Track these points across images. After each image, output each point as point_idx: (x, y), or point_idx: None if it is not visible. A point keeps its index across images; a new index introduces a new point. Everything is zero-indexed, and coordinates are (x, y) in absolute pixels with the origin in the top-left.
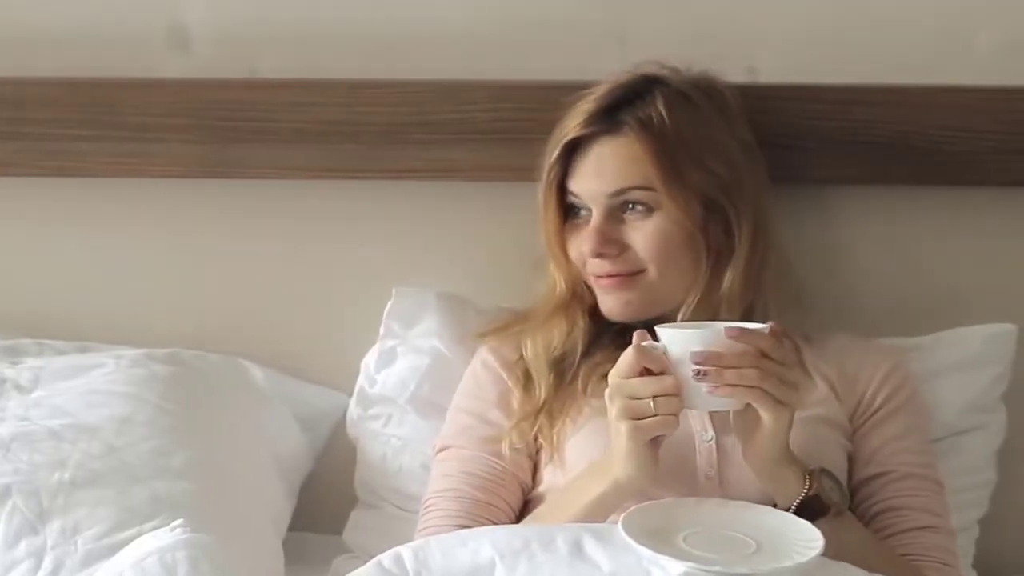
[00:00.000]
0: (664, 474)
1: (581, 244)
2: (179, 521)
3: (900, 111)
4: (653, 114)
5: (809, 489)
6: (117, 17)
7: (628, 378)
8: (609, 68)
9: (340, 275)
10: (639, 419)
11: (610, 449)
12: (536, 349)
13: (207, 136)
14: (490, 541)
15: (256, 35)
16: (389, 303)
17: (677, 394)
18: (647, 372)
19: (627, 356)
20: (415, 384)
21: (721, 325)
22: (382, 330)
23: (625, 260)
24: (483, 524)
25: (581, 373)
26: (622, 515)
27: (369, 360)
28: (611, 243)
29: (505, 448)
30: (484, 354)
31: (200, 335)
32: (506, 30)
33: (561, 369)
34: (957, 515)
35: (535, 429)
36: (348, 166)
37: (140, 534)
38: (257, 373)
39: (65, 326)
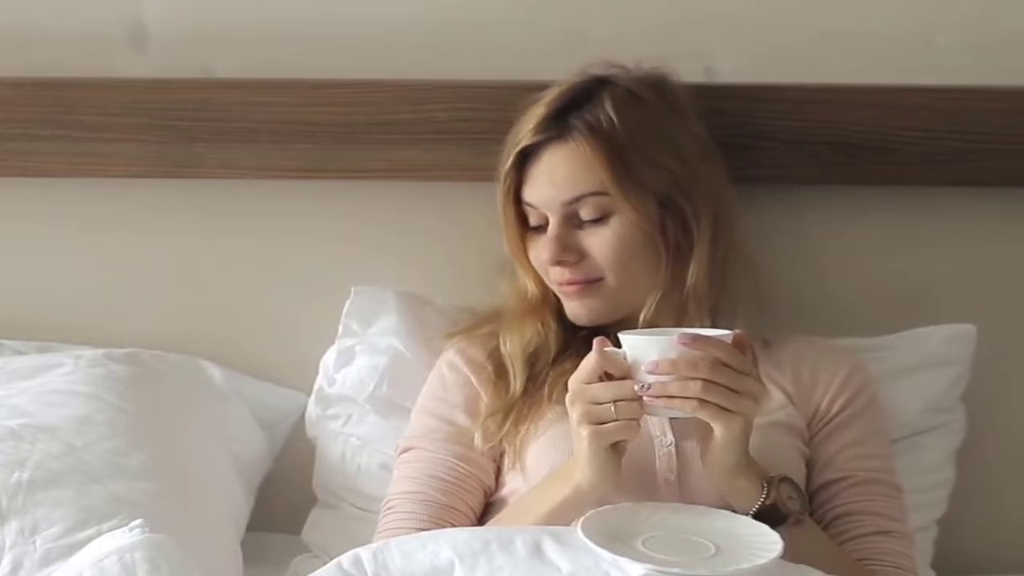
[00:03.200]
0: (624, 478)
1: (540, 252)
2: (138, 521)
3: (858, 111)
4: (602, 117)
5: (766, 498)
6: (75, 17)
7: (589, 383)
8: (567, 68)
9: (298, 275)
10: (600, 424)
11: (573, 455)
12: (513, 346)
13: (165, 136)
14: (449, 543)
15: (214, 35)
16: (347, 302)
17: (638, 399)
18: (609, 377)
19: (588, 361)
20: (374, 383)
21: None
22: (340, 329)
23: (584, 267)
24: (444, 527)
25: (549, 378)
26: (581, 519)
27: (328, 359)
28: (569, 251)
29: (478, 440)
30: (450, 355)
31: (159, 335)
32: (464, 30)
33: (534, 371)
34: (916, 515)
35: (503, 430)
36: (306, 166)
37: (99, 534)
38: (215, 373)
39: (24, 326)
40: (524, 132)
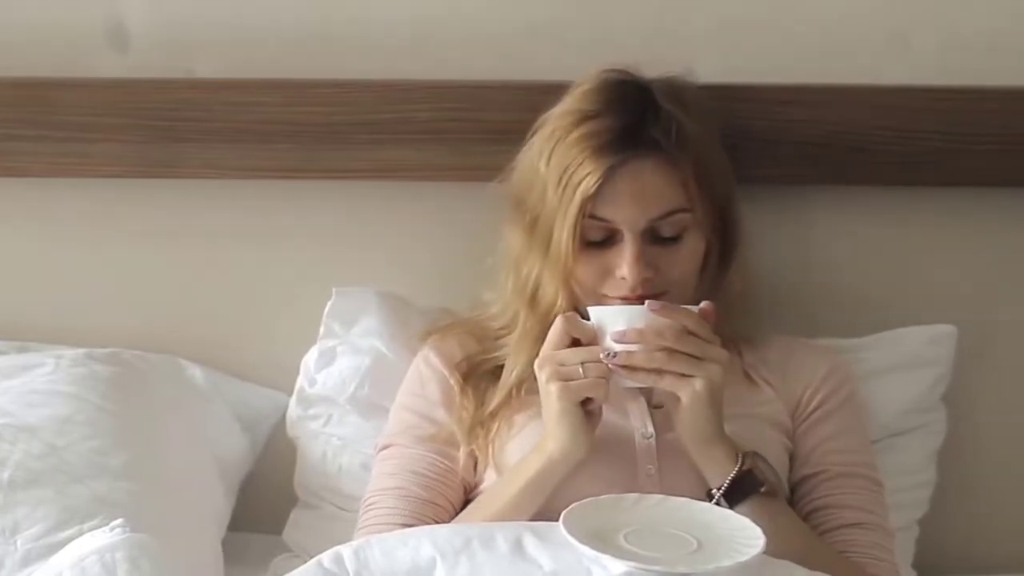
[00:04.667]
0: (604, 471)
1: (610, 267)
2: (119, 521)
3: (837, 111)
4: (680, 130)
5: (742, 465)
6: (56, 17)
7: (556, 350)
8: (548, 67)
9: (280, 275)
10: (568, 381)
11: (544, 425)
12: (522, 371)
13: (146, 136)
14: (431, 540)
15: (195, 35)
16: (329, 303)
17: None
18: (576, 344)
19: (555, 327)
20: (355, 384)
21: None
22: (322, 330)
23: (653, 283)
24: (426, 523)
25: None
26: (563, 513)
27: (309, 360)
28: (650, 267)
29: (461, 454)
30: (427, 352)
31: (140, 335)
32: (445, 30)
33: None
34: (897, 515)
35: (475, 441)
36: (288, 166)
37: (80, 534)
38: (197, 373)
39: (4, 326)
40: (596, 145)
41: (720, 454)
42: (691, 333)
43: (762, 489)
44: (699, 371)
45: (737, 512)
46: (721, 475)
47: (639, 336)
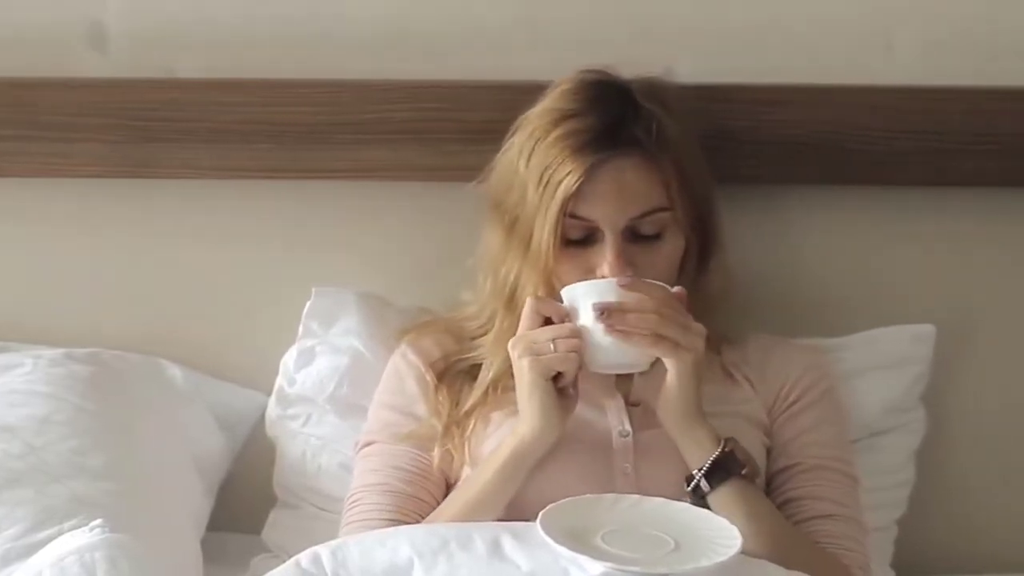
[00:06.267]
0: (580, 468)
1: (591, 266)
2: (98, 521)
3: (818, 111)
4: (662, 130)
5: (724, 447)
6: (35, 17)
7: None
8: (527, 67)
9: (260, 275)
10: (539, 355)
11: (519, 409)
12: (499, 370)
13: (126, 136)
14: (408, 541)
15: (175, 35)
16: (308, 303)
17: (577, 338)
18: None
19: (527, 308)
20: (334, 384)
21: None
22: (301, 330)
23: None
24: (411, 518)
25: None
26: (540, 513)
27: (288, 359)
28: (630, 266)
29: (436, 455)
30: (404, 348)
31: (119, 335)
32: (424, 30)
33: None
34: (876, 515)
35: (452, 441)
36: (267, 166)
37: (59, 534)
38: (176, 373)
39: None
40: (577, 144)
41: (703, 435)
42: (664, 306)
43: (743, 472)
44: (688, 340)
45: (716, 494)
46: (703, 457)
47: (619, 308)
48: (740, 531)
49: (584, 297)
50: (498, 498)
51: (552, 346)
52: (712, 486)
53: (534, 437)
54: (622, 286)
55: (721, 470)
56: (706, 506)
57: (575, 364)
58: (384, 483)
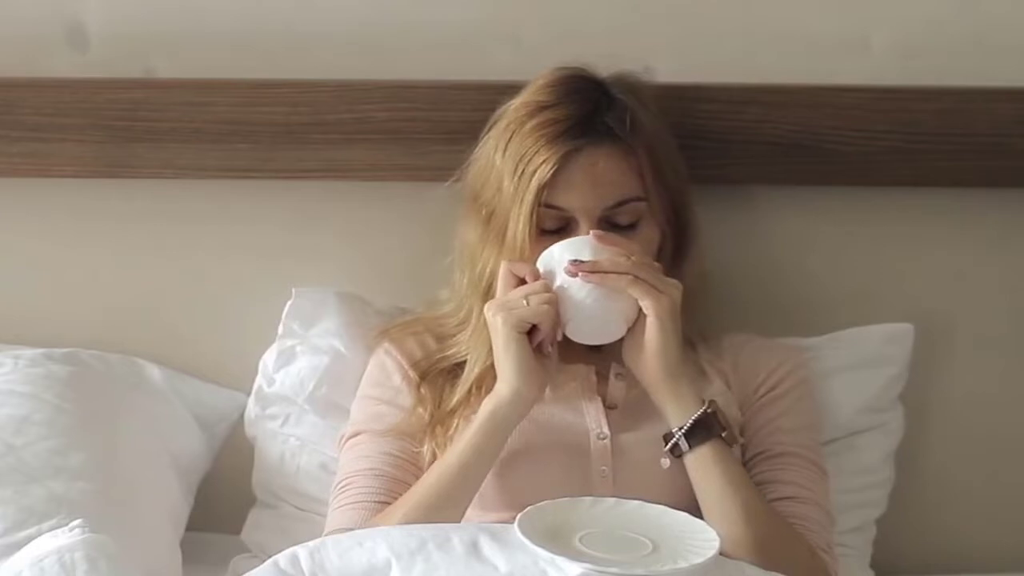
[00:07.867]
0: (558, 470)
1: None
2: (77, 521)
3: (795, 111)
4: (636, 120)
5: (708, 407)
6: (13, 16)
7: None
8: (505, 68)
9: (238, 275)
10: (513, 310)
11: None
12: (483, 367)
13: (104, 136)
14: (386, 541)
15: (153, 35)
16: (289, 303)
17: (550, 292)
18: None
19: (501, 274)
20: (314, 384)
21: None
22: (281, 329)
23: None
24: None
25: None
26: (519, 515)
27: (267, 359)
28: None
29: (427, 451)
30: (388, 347)
31: (98, 335)
32: (402, 30)
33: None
34: (854, 515)
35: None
36: (245, 166)
37: (38, 534)
38: (155, 372)
39: None
40: (552, 134)
41: (687, 391)
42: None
43: (723, 434)
44: (664, 286)
45: (694, 454)
46: (684, 414)
47: (594, 267)
48: (716, 495)
49: (560, 256)
50: (480, 460)
51: (525, 301)
52: (691, 446)
53: (512, 394)
54: (597, 239)
55: (702, 430)
56: (683, 468)
57: (550, 317)
58: (374, 468)
